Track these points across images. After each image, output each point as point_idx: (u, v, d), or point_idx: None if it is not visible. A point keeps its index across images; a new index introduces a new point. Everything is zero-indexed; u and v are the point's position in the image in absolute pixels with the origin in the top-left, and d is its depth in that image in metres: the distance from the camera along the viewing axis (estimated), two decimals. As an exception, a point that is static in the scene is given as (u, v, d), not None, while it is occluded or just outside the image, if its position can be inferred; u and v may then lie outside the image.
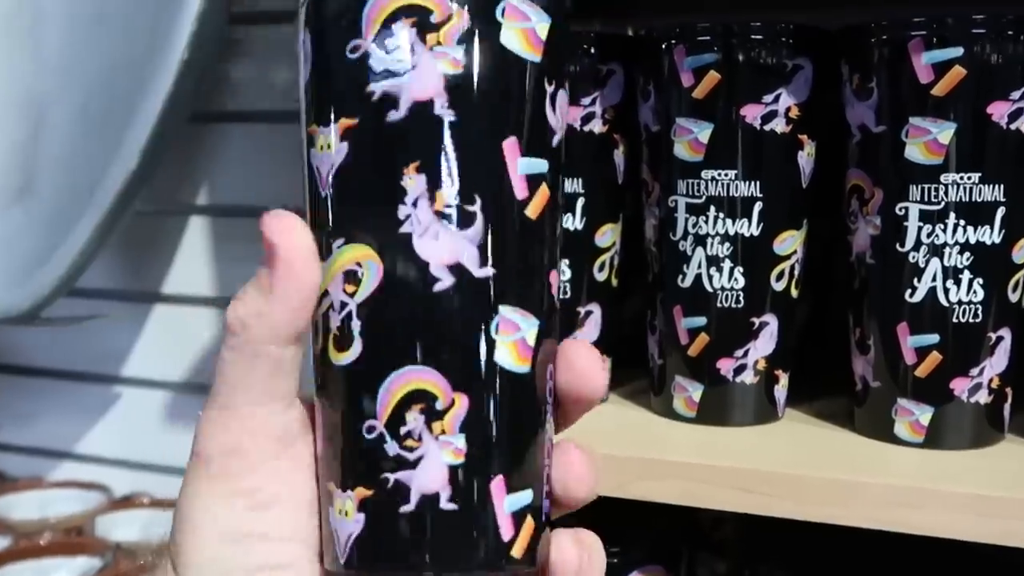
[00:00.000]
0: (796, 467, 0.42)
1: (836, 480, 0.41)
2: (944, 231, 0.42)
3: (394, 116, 0.24)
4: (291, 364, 0.26)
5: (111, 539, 0.76)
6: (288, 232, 0.25)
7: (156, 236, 0.81)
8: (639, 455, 0.44)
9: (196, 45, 0.64)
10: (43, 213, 0.71)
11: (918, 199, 0.42)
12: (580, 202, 0.49)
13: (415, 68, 0.24)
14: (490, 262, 0.24)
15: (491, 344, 0.25)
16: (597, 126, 0.49)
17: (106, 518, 0.79)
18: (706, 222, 0.46)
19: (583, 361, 0.27)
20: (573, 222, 0.50)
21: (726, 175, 0.45)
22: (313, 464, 0.27)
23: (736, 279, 0.46)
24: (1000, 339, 0.44)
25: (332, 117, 0.25)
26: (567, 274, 0.50)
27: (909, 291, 0.43)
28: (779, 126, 0.45)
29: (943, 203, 0.42)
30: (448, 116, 0.24)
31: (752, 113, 0.45)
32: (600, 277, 0.51)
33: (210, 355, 0.81)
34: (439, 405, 0.24)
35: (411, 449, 0.24)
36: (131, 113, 0.66)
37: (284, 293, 0.25)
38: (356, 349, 0.25)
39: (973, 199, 0.42)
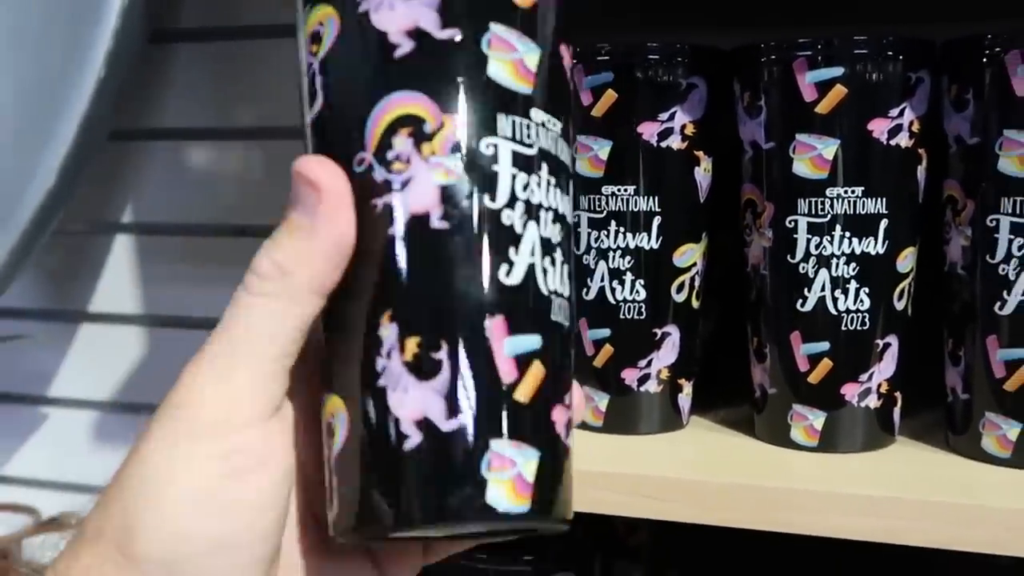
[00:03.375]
0: (700, 473, 0.44)
1: (736, 485, 0.43)
2: (831, 242, 0.44)
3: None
4: (312, 323, 0.24)
5: (38, 562, 0.75)
6: (333, 174, 0.23)
7: (80, 255, 0.81)
8: (546, 465, 0.45)
9: (113, 63, 0.64)
10: (-40, 233, 0.70)
11: (806, 212, 0.44)
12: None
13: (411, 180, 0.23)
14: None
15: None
16: (503, 143, 0.50)
17: (34, 540, 0.78)
18: (607, 236, 0.47)
19: None
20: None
21: (625, 190, 0.47)
22: (295, 434, 0.26)
23: (638, 291, 0.48)
24: (888, 345, 0.45)
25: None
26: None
27: (800, 300, 0.45)
28: (675, 143, 0.47)
29: (829, 216, 0.44)
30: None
31: (649, 130, 0.46)
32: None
33: (138, 374, 0.80)
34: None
35: None
36: (48, 132, 0.65)
37: (329, 235, 0.23)
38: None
39: (857, 211, 0.44)
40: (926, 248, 0.46)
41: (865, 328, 0.45)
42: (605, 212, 0.47)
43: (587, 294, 0.48)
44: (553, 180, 0.25)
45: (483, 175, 0.24)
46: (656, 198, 0.47)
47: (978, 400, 0.44)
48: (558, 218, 0.25)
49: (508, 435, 0.24)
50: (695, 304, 0.49)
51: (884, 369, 0.45)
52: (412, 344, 0.23)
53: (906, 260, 0.45)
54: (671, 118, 0.46)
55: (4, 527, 0.80)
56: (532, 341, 0.24)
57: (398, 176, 0.24)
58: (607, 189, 0.47)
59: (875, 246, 0.44)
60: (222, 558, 0.24)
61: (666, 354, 0.49)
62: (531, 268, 0.24)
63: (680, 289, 0.48)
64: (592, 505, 0.45)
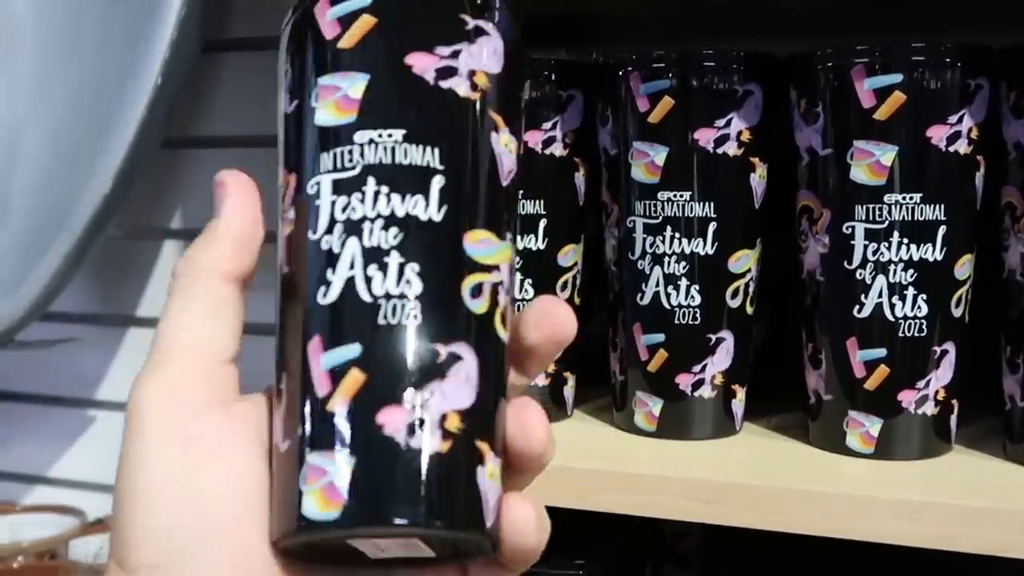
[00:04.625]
0: (753, 478, 0.44)
1: (791, 490, 0.43)
2: (889, 249, 0.44)
3: None
4: (230, 308, 0.26)
5: (84, 563, 0.76)
6: (236, 175, 0.27)
7: (130, 260, 0.82)
8: (602, 468, 0.45)
9: (169, 71, 0.65)
10: (16, 238, 0.71)
11: (863, 218, 0.44)
12: (542, 223, 0.51)
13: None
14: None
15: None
16: (558, 149, 0.51)
17: (79, 542, 0.79)
18: (663, 242, 0.48)
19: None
20: (535, 242, 0.51)
21: (681, 196, 0.47)
22: (254, 427, 0.26)
23: (693, 296, 0.48)
24: (945, 352, 0.45)
25: None
26: (530, 293, 0.51)
27: (857, 307, 0.45)
28: (731, 149, 0.47)
29: (887, 222, 0.44)
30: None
31: (705, 137, 0.47)
32: (563, 296, 0.52)
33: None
34: None
35: None
36: (104, 138, 0.67)
37: (226, 221, 0.26)
38: None
39: (915, 218, 0.44)
40: (983, 255, 0.46)
41: (922, 335, 0.45)
42: (661, 218, 0.47)
43: (642, 299, 0.49)
44: (387, 188, 0.26)
45: (310, 213, 0.26)
46: (712, 204, 0.47)
47: (1037, 408, 0.44)
48: (393, 222, 0.26)
49: (320, 446, 0.25)
50: (749, 310, 0.49)
51: (941, 376, 0.45)
52: (274, 377, 0.27)
53: (964, 267, 0.45)
54: (727, 124, 0.47)
55: (51, 528, 0.81)
56: (348, 351, 0.25)
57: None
58: (663, 195, 0.47)
59: (933, 253, 0.44)
60: (210, 549, 0.24)
61: (720, 360, 0.49)
62: (349, 281, 0.25)
63: (735, 295, 0.48)
64: (646, 509, 0.45)
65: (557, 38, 0.63)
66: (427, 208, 0.26)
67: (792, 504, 0.43)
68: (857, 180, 0.44)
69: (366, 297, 0.25)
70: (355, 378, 0.25)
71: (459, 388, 0.26)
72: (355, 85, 0.26)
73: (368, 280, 0.25)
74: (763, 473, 0.45)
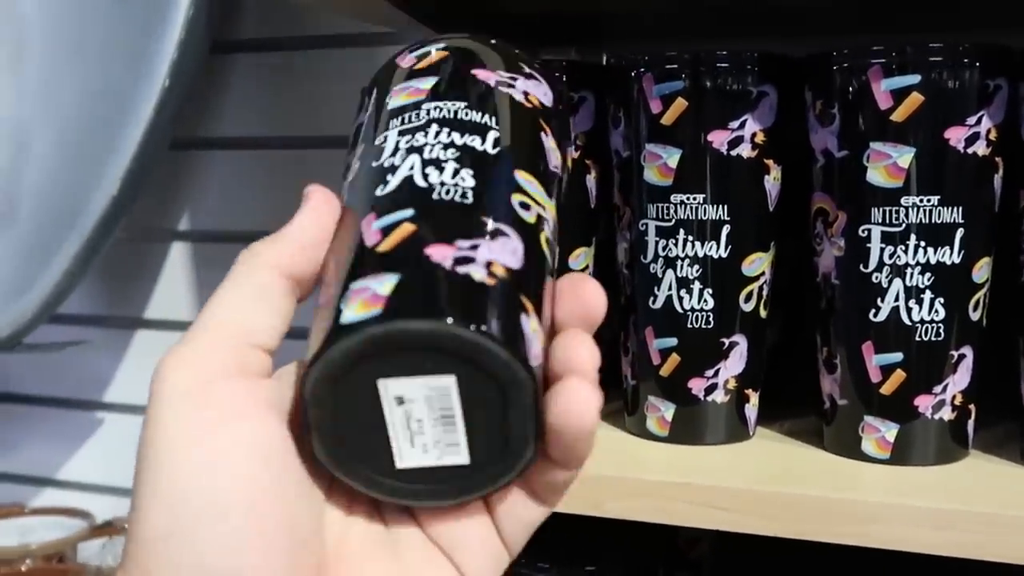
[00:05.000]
0: (767, 484, 0.43)
1: (806, 497, 0.42)
2: (905, 252, 0.43)
3: None
4: (276, 299, 0.26)
5: (93, 565, 0.76)
6: (320, 189, 0.28)
7: (138, 262, 0.82)
8: (614, 474, 0.45)
9: (177, 73, 0.65)
10: (24, 240, 0.71)
11: (880, 221, 0.44)
12: (553, 226, 0.50)
13: None
14: None
15: None
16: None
17: (88, 544, 0.79)
18: (676, 245, 0.47)
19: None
20: (547, 246, 0.50)
21: (695, 199, 0.47)
22: (276, 398, 0.26)
23: (706, 300, 0.47)
24: (962, 357, 0.45)
25: None
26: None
27: (873, 311, 0.44)
28: (745, 151, 0.46)
29: (904, 225, 0.43)
30: None
31: (719, 139, 0.46)
32: (574, 299, 0.52)
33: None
34: None
35: None
36: (113, 140, 0.67)
37: (299, 227, 0.27)
38: None
39: (933, 221, 0.43)
40: (1001, 257, 0.46)
41: (940, 339, 0.44)
42: (674, 220, 0.47)
43: (654, 303, 0.48)
44: (448, 129, 0.28)
45: (374, 154, 0.29)
46: (725, 207, 0.46)
47: (1057, 413, 0.43)
48: (451, 146, 0.28)
49: (363, 274, 0.25)
50: (763, 313, 0.49)
51: (959, 381, 0.45)
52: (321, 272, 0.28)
53: (981, 270, 0.44)
54: (741, 126, 0.46)
55: (59, 531, 0.81)
56: (402, 214, 0.26)
57: None
58: (676, 198, 0.47)
59: (950, 256, 0.43)
60: (226, 518, 0.24)
61: (733, 364, 0.48)
62: (408, 178, 0.27)
63: (748, 298, 0.48)
64: (659, 515, 0.44)
65: (567, 37, 0.63)
66: (483, 143, 0.28)
67: (807, 510, 0.42)
68: (873, 182, 0.43)
69: (421, 183, 0.27)
70: (405, 229, 0.26)
71: (505, 250, 0.26)
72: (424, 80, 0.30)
73: (425, 175, 0.27)
74: (777, 479, 0.44)
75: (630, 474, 0.45)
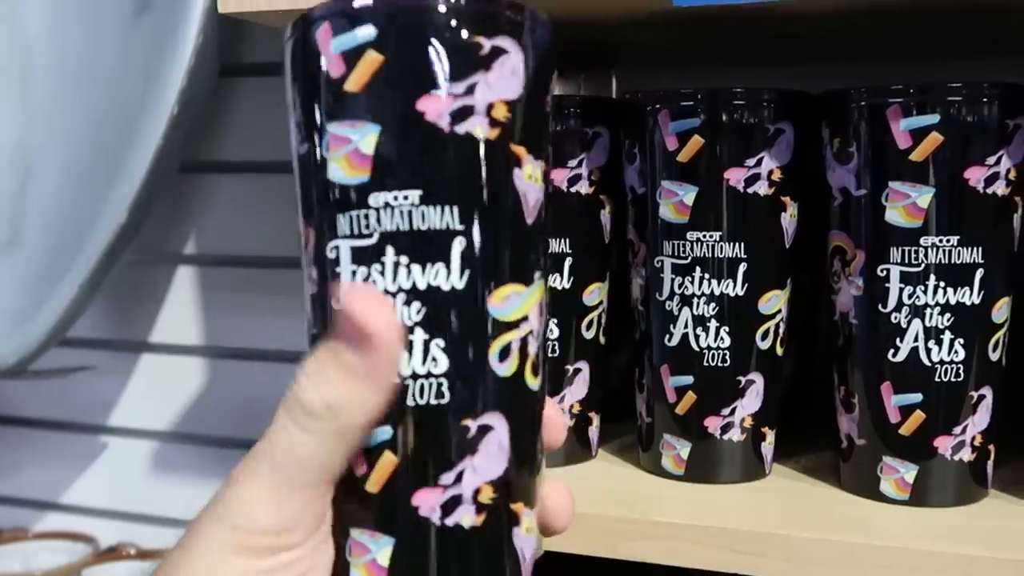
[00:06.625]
0: (784, 527, 0.43)
1: (824, 540, 0.42)
2: (925, 292, 0.43)
3: None
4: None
5: (97, 592, 0.75)
6: (380, 312, 0.24)
7: (144, 285, 0.81)
8: (628, 515, 0.44)
9: (186, 100, 0.65)
10: (31, 266, 0.71)
11: (899, 261, 0.43)
12: (567, 261, 0.50)
13: None
14: None
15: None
16: (584, 187, 0.50)
17: (92, 570, 0.79)
18: (692, 282, 0.47)
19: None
20: (561, 281, 0.50)
21: (711, 236, 0.46)
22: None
23: (722, 338, 0.47)
24: (982, 397, 0.44)
25: None
26: (555, 332, 0.50)
27: (892, 351, 0.44)
28: (762, 189, 0.46)
29: (923, 265, 0.43)
30: None
31: (736, 176, 0.46)
32: (588, 335, 0.51)
33: (198, 405, 0.81)
34: None
35: None
36: (120, 166, 0.66)
37: (380, 377, 0.24)
38: None
39: (952, 261, 0.43)
40: (1020, 297, 0.45)
41: (959, 379, 0.44)
42: (690, 258, 0.47)
43: (670, 340, 0.48)
44: (406, 258, 0.25)
45: (332, 280, 0.25)
46: (742, 244, 0.46)
47: (1078, 456, 0.43)
48: (415, 296, 0.25)
49: (361, 524, 0.25)
50: (779, 351, 0.48)
51: (978, 421, 0.44)
52: None
53: (1001, 310, 0.44)
54: (758, 164, 0.46)
55: (64, 556, 0.81)
56: (380, 433, 0.25)
57: None
58: (692, 235, 0.46)
59: (970, 296, 0.43)
60: None
61: (750, 402, 0.48)
62: None
63: (765, 336, 0.47)
64: (674, 557, 0.44)
65: (577, 64, 0.63)
66: (449, 276, 0.25)
67: (825, 553, 0.42)
68: (892, 222, 0.43)
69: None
70: (387, 460, 0.25)
71: (491, 460, 0.26)
72: (366, 139, 0.25)
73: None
74: (795, 521, 0.44)
75: (645, 515, 0.44)
